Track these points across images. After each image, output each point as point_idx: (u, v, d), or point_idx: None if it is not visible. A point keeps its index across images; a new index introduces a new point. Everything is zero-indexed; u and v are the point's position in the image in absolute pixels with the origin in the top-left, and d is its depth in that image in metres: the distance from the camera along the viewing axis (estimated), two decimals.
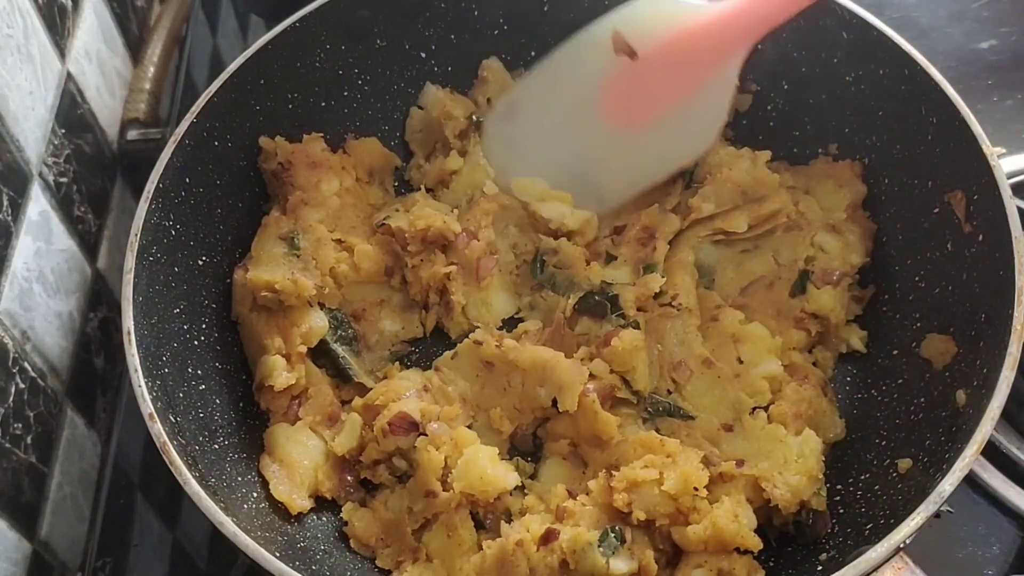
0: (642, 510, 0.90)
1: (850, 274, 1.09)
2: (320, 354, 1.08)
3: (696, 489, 0.89)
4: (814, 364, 1.07)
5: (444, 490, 0.95)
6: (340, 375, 1.08)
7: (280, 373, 1.02)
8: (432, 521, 0.96)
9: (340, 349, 1.08)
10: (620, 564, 0.88)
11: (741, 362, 1.03)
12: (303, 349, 1.05)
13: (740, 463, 0.94)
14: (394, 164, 1.25)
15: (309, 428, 1.04)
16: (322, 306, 1.08)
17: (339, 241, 1.10)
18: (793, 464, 0.94)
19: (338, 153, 1.19)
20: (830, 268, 1.08)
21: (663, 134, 1.12)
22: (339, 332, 1.09)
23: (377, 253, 1.11)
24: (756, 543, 0.89)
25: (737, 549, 0.89)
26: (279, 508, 0.98)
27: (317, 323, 1.06)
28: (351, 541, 0.99)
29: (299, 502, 0.98)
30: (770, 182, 1.11)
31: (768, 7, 1.02)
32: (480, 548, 0.93)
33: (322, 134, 1.17)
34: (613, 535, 0.90)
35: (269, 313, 1.05)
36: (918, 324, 1.03)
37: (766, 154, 1.14)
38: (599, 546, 0.88)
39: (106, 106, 1.30)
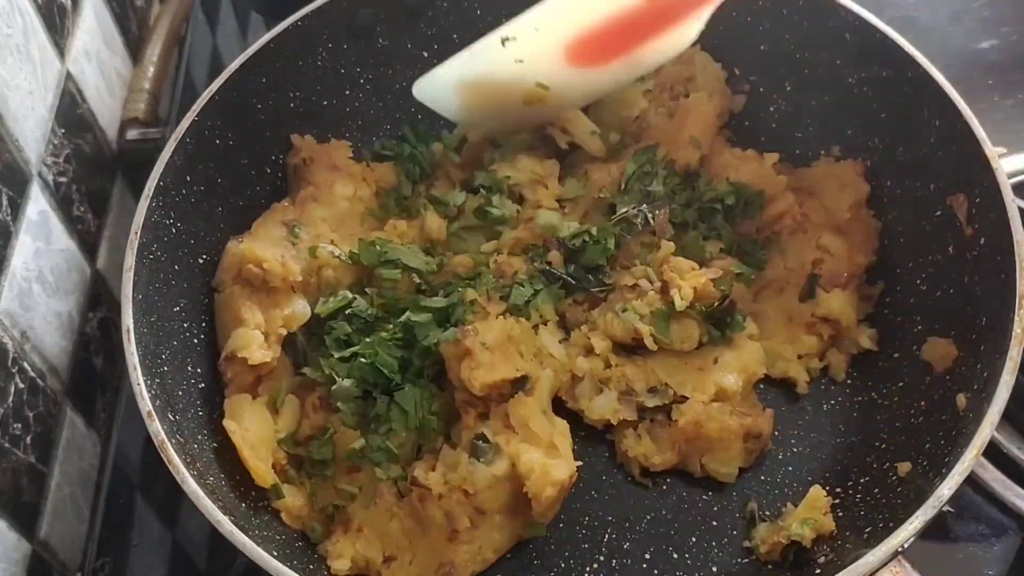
0: None
1: (858, 274, 1.09)
2: (287, 342, 1.07)
3: None
4: (826, 368, 1.08)
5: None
6: (297, 366, 1.07)
7: (257, 348, 1.01)
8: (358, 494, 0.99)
9: (304, 342, 1.08)
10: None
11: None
12: (283, 332, 1.04)
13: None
14: (404, 193, 1.21)
15: (264, 406, 1.03)
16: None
17: (333, 243, 1.10)
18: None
19: (361, 164, 1.19)
20: (837, 270, 1.08)
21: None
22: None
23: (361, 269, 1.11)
24: None
25: None
26: (278, 510, 0.98)
27: (300, 309, 1.06)
28: (283, 515, 0.98)
29: (267, 474, 0.97)
30: (778, 184, 1.12)
31: None
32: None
33: (350, 143, 1.19)
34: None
35: (252, 288, 1.05)
36: (919, 327, 1.03)
37: (774, 156, 1.14)
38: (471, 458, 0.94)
39: (106, 106, 1.30)
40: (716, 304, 1.02)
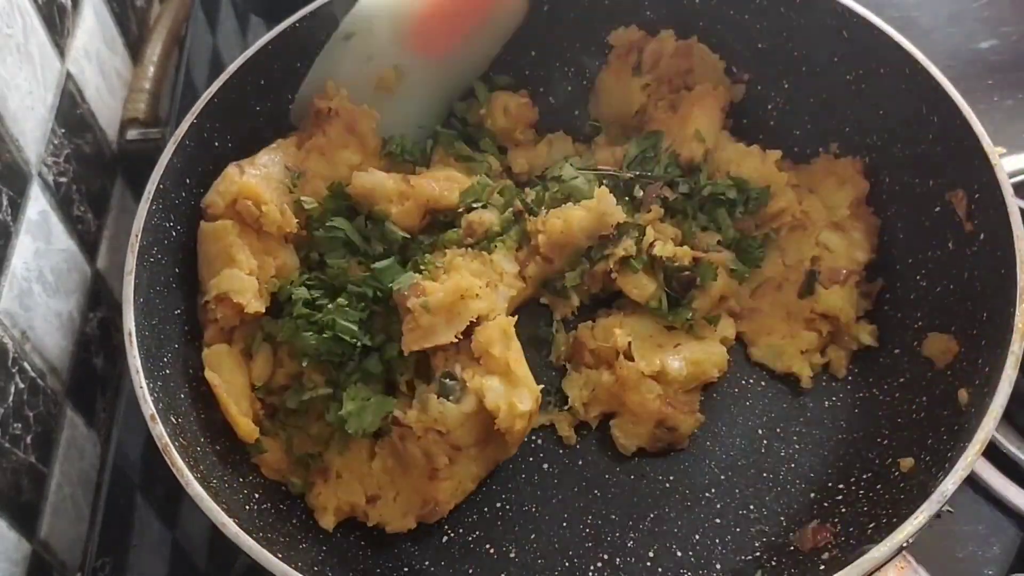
0: None
1: (857, 272, 1.09)
2: None
3: None
4: (827, 364, 1.08)
5: None
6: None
7: (253, 297, 1.00)
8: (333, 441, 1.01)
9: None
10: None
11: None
12: (275, 282, 1.03)
13: None
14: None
15: (239, 354, 1.03)
16: None
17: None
18: None
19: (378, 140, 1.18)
20: (836, 267, 1.09)
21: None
22: None
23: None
24: None
25: None
26: (281, 511, 0.99)
27: (291, 261, 1.06)
28: (263, 469, 1.00)
29: (250, 428, 0.98)
30: (779, 180, 1.12)
31: None
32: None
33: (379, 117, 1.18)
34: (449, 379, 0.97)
35: (243, 226, 1.03)
36: (920, 323, 1.03)
37: (776, 153, 1.14)
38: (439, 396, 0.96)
39: (106, 106, 1.30)
40: (681, 271, 1.06)
